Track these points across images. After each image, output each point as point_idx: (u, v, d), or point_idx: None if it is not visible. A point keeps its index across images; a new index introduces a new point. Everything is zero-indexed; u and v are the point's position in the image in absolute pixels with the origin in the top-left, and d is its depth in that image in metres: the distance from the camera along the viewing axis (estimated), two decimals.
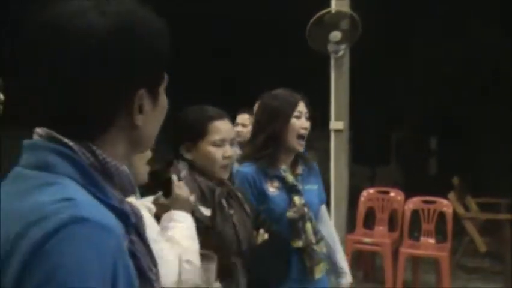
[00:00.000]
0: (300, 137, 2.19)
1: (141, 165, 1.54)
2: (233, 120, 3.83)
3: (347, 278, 2.39)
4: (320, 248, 2.18)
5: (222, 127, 1.84)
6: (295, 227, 2.14)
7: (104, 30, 0.79)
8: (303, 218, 2.15)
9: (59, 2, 0.83)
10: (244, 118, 3.96)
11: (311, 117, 2.26)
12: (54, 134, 0.82)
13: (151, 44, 0.84)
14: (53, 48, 0.80)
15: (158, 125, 0.92)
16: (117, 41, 0.80)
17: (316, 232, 2.19)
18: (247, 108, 3.91)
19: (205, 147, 1.84)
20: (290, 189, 2.17)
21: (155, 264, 0.91)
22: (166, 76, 0.91)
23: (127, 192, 0.88)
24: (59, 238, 0.70)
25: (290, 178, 2.19)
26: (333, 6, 4.36)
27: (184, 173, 1.80)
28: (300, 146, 2.20)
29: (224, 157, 1.84)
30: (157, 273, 0.91)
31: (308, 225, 2.16)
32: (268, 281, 1.94)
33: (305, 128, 2.20)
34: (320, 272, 2.19)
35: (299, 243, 2.15)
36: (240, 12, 7.88)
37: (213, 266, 1.55)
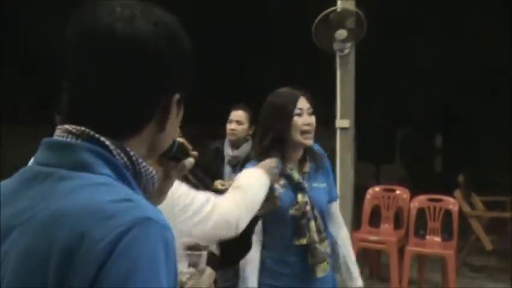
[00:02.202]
0: (304, 132, 2.18)
1: None
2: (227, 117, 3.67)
3: (356, 283, 2.36)
4: (324, 247, 2.18)
5: None
6: (298, 224, 2.14)
7: (153, 36, 0.83)
8: (305, 216, 2.15)
9: (103, 10, 0.84)
10: (238, 115, 3.66)
11: (316, 113, 2.24)
12: (90, 131, 0.81)
13: (186, 52, 0.89)
14: (105, 50, 0.82)
15: (175, 130, 0.93)
16: (162, 46, 0.84)
17: (320, 231, 2.19)
18: (242, 105, 3.72)
19: None
20: (296, 187, 2.17)
21: None
22: None
23: (148, 193, 0.89)
24: (133, 236, 0.72)
25: (296, 176, 2.19)
26: (339, 4, 4.36)
27: None
28: (307, 140, 2.19)
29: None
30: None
31: (312, 224, 2.16)
32: (232, 254, 1.98)
33: (308, 124, 2.18)
34: (322, 271, 2.18)
35: (303, 241, 2.15)
36: (246, 9, 7.89)
37: (205, 253, 1.58)
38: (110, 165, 0.81)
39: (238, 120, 3.62)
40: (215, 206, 1.57)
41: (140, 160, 0.85)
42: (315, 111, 2.24)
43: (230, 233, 1.61)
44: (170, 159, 1.07)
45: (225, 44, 8.87)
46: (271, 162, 2.02)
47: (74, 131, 0.82)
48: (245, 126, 3.63)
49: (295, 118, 2.16)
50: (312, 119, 2.20)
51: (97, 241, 0.71)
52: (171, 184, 1.09)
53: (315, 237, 2.16)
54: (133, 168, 0.84)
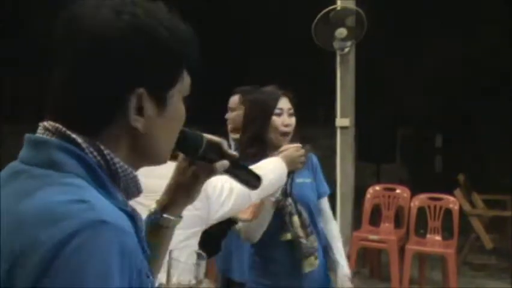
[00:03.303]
0: (283, 134, 2.16)
1: None
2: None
3: (343, 271, 2.33)
4: (311, 242, 2.15)
5: None
6: (281, 220, 2.13)
7: (109, 27, 0.79)
8: (286, 211, 2.13)
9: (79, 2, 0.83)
10: (232, 101, 3.22)
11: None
12: (62, 128, 0.80)
13: (158, 44, 0.81)
14: (66, 40, 0.81)
15: (169, 137, 0.88)
16: (119, 38, 0.79)
17: (306, 226, 2.16)
18: (239, 89, 3.26)
19: None
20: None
21: (152, 272, 0.90)
22: (182, 84, 0.87)
23: (131, 195, 0.86)
24: (80, 240, 0.68)
25: None
26: (339, 2, 4.36)
27: None
28: (282, 142, 2.15)
29: None
30: (152, 282, 0.90)
31: (295, 219, 2.13)
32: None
33: (286, 125, 2.16)
34: (309, 265, 2.15)
35: (288, 236, 2.14)
36: (246, 8, 7.88)
37: (203, 263, 1.57)
38: (82, 164, 0.78)
39: (231, 106, 3.24)
40: (231, 183, 1.67)
41: (116, 160, 0.81)
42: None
43: (246, 205, 1.80)
44: (201, 159, 1.02)
45: (225, 43, 8.86)
46: (293, 151, 2.01)
47: (49, 127, 0.81)
48: (238, 112, 3.13)
49: (274, 118, 2.15)
50: (292, 120, 2.18)
51: (42, 244, 0.68)
52: (200, 185, 1.06)
53: (300, 232, 2.13)
54: (108, 167, 0.80)
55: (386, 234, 5.05)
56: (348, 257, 4.86)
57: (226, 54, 8.92)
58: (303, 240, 2.14)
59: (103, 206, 0.73)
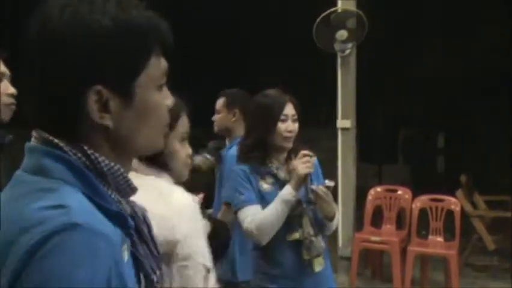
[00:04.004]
0: (286, 139, 2.22)
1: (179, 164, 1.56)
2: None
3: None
4: (319, 242, 2.19)
5: None
6: (289, 220, 2.15)
7: (56, 24, 0.79)
8: (297, 211, 2.16)
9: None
10: (217, 103, 3.15)
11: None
12: (44, 134, 0.81)
13: (99, 40, 0.78)
14: (27, 43, 0.82)
15: (147, 128, 0.85)
16: (66, 38, 0.78)
17: (314, 226, 2.20)
18: (224, 91, 3.20)
19: None
20: (283, 185, 2.18)
21: (159, 266, 0.91)
22: (150, 72, 0.84)
23: (125, 193, 0.85)
24: (52, 245, 0.69)
25: (282, 174, 2.22)
26: (340, 5, 4.36)
27: None
28: (286, 143, 2.23)
29: None
30: (161, 276, 0.90)
31: (305, 219, 2.18)
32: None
33: (290, 131, 2.22)
34: (319, 264, 2.19)
35: (296, 236, 2.16)
36: (246, 10, 7.89)
37: (211, 276, 1.56)
38: (69, 167, 0.78)
39: (217, 109, 3.15)
40: None
41: (100, 158, 0.80)
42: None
43: None
44: None
45: (226, 44, 8.88)
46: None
47: (36, 134, 0.82)
48: (222, 115, 3.11)
49: (279, 124, 2.20)
50: (295, 126, 2.24)
51: (20, 248, 0.70)
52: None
53: (310, 231, 2.17)
54: (94, 166, 0.80)
55: (387, 235, 5.05)
56: (350, 258, 4.89)
57: (226, 55, 8.93)
58: (314, 239, 2.16)
59: (80, 209, 0.73)
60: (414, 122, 10.45)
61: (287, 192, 2.13)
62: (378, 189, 5.46)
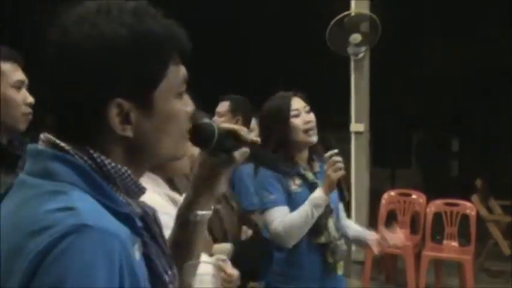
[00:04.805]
0: (307, 131, 2.19)
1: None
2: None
3: (371, 235, 2.32)
4: (342, 245, 2.19)
5: None
6: (316, 223, 2.14)
7: (74, 36, 0.79)
8: (325, 214, 2.15)
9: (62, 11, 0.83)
10: (221, 105, 3.11)
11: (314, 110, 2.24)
12: (52, 138, 0.81)
13: (116, 53, 0.79)
14: (44, 53, 0.82)
15: (167, 136, 0.85)
16: (84, 50, 0.78)
17: (338, 229, 2.20)
18: (229, 95, 3.18)
19: None
20: (311, 187, 2.18)
21: (171, 266, 0.90)
22: (170, 81, 0.84)
23: (133, 194, 0.86)
24: (63, 247, 0.69)
25: (310, 176, 2.21)
26: (353, 8, 4.36)
27: None
28: (311, 138, 2.20)
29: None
30: (173, 275, 0.90)
31: (331, 222, 2.17)
32: (251, 273, 1.98)
33: (308, 122, 2.19)
34: (341, 268, 2.19)
35: (321, 239, 2.15)
36: (260, 13, 7.90)
37: (220, 274, 1.55)
38: (75, 170, 0.79)
39: (219, 111, 3.12)
40: None
41: (107, 161, 0.81)
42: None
43: None
44: (218, 150, 0.97)
45: (238, 47, 8.89)
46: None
47: (43, 138, 0.83)
48: (224, 119, 3.08)
49: (293, 119, 2.17)
50: (311, 116, 2.22)
51: (30, 252, 0.70)
52: (221, 178, 1.02)
53: (335, 234, 2.17)
54: (100, 169, 0.81)
55: None
56: (364, 263, 4.86)
57: (238, 60, 8.95)
58: (339, 243, 2.16)
59: (88, 210, 0.74)
60: (428, 126, 10.38)
61: (319, 196, 2.11)
62: (392, 193, 5.42)
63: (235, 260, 1.83)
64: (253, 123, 3.47)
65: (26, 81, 1.62)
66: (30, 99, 1.61)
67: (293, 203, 2.15)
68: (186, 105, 0.88)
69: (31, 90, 1.62)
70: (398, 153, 8.24)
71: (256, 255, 2.02)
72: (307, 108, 2.22)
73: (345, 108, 4.89)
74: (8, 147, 1.59)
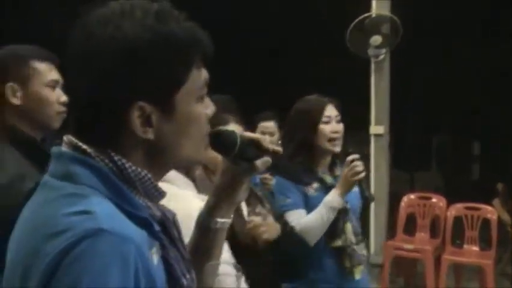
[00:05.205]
0: (332, 140, 2.18)
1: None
2: (251, 125, 3.33)
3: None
4: (361, 250, 2.18)
5: None
6: (333, 226, 2.13)
7: (98, 39, 0.79)
8: (341, 217, 2.14)
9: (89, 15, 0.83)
10: (269, 126, 3.36)
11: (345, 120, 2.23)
12: (74, 140, 0.82)
13: (145, 58, 0.79)
14: (70, 55, 0.84)
15: (188, 139, 0.85)
16: (107, 52, 0.79)
17: (357, 233, 2.19)
18: (270, 114, 3.41)
19: None
20: (329, 190, 2.17)
21: (189, 270, 0.90)
22: (191, 85, 0.84)
23: (154, 198, 0.86)
24: (79, 250, 0.70)
25: (328, 179, 2.20)
26: (374, 10, 4.34)
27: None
28: (335, 147, 2.19)
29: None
30: (191, 279, 0.90)
31: (348, 226, 2.16)
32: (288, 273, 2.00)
33: (336, 132, 2.19)
34: (359, 272, 2.17)
35: (338, 243, 2.14)
36: (280, 15, 7.90)
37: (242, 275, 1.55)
38: (95, 173, 0.79)
39: (270, 132, 3.30)
40: None
41: (127, 165, 0.81)
42: (346, 117, 2.24)
43: None
44: (239, 158, 0.97)
45: (257, 49, 8.90)
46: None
47: (66, 140, 0.84)
48: (277, 136, 3.32)
49: (322, 126, 2.17)
50: (340, 127, 2.21)
51: (47, 254, 0.71)
52: (242, 186, 1.02)
53: (353, 239, 2.15)
54: (120, 172, 0.81)
55: (421, 243, 4.97)
56: (382, 266, 4.82)
57: (257, 61, 8.95)
58: (356, 247, 2.15)
59: (105, 215, 0.74)
60: (448, 128, 10.27)
61: (334, 199, 2.11)
62: (412, 196, 5.37)
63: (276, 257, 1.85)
64: (273, 126, 3.49)
65: (61, 80, 1.67)
66: (64, 98, 1.65)
67: (310, 206, 2.15)
68: (207, 108, 0.89)
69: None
70: (418, 156, 8.17)
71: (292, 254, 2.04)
72: (339, 118, 2.21)
73: (364, 110, 4.86)
74: (40, 144, 1.63)
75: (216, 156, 1.82)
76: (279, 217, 2.06)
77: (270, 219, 1.75)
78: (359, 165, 2.11)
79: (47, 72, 1.64)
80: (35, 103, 1.62)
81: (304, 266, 2.18)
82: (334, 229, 2.13)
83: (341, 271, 2.16)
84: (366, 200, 2.24)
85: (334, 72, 8.15)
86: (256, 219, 1.68)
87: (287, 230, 2.00)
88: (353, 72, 5.41)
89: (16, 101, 1.60)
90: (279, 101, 3.76)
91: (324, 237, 2.13)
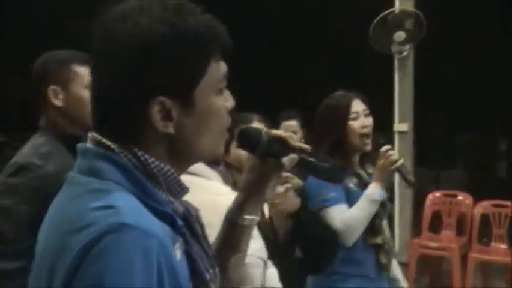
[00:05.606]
0: (363, 136, 2.16)
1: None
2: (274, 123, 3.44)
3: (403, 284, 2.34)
4: (394, 246, 2.19)
5: None
6: (373, 223, 2.12)
7: (121, 37, 0.80)
8: (382, 212, 2.14)
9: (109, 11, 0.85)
10: (292, 125, 3.37)
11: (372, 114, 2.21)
12: (98, 136, 0.84)
13: (165, 52, 0.80)
14: (92, 50, 0.85)
15: (208, 133, 0.86)
16: (127, 48, 0.80)
17: (388, 230, 2.20)
18: (293, 113, 3.42)
19: None
20: (365, 187, 2.15)
21: (212, 265, 0.91)
22: (211, 78, 0.85)
23: (177, 194, 0.87)
24: (103, 244, 0.71)
25: (364, 175, 2.20)
26: (397, 5, 4.29)
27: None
28: (365, 146, 2.17)
29: None
30: (214, 274, 0.91)
31: (384, 223, 2.16)
32: (314, 264, 1.99)
33: (365, 127, 2.16)
34: (393, 268, 2.20)
35: (378, 240, 2.14)
36: (301, 11, 7.88)
37: (269, 270, 1.56)
38: (119, 168, 0.81)
39: (294, 131, 3.30)
40: None
41: (150, 160, 0.82)
42: (372, 113, 2.22)
43: None
44: (266, 155, 0.98)
45: (277, 45, 8.88)
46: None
47: (90, 136, 0.85)
48: (299, 135, 3.34)
49: (351, 122, 2.15)
50: (369, 120, 2.18)
51: (72, 249, 0.72)
52: (269, 183, 1.02)
53: (388, 235, 2.17)
54: (143, 167, 0.82)
55: (447, 241, 4.91)
56: (407, 265, 4.78)
57: (278, 57, 8.93)
58: (392, 244, 2.18)
59: (129, 209, 0.75)
60: (474, 125, 10.10)
61: (375, 192, 2.09)
62: (437, 194, 5.31)
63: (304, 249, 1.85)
64: (296, 125, 3.48)
65: None
66: None
67: (351, 200, 2.13)
68: (227, 101, 0.89)
69: None
70: (442, 154, 8.05)
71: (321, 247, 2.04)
72: (367, 111, 2.18)
73: (387, 107, 4.82)
74: (80, 140, 1.71)
75: (239, 154, 1.86)
76: (317, 213, 2.06)
77: (291, 193, 1.75)
78: (394, 154, 2.09)
79: (86, 74, 1.74)
80: (76, 104, 1.74)
81: (338, 260, 2.14)
82: (373, 225, 2.12)
83: (378, 267, 2.15)
84: (410, 184, 2.21)
85: (355, 69, 8.10)
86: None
87: (326, 227, 1.99)
88: (374, 69, 5.37)
89: (58, 102, 1.75)
90: (300, 101, 3.76)
91: (363, 233, 2.11)
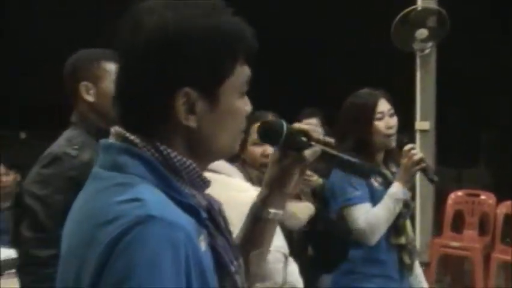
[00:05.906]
0: (388, 136, 2.15)
1: None
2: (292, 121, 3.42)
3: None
4: (416, 246, 2.17)
5: None
6: (396, 223, 2.11)
7: (150, 29, 0.81)
8: (405, 212, 2.13)
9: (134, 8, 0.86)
10: (313, 122, 3.38)
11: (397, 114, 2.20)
12: (122, 131, 0.85)
13: (195, 44, 0.81)
14: (119, 44, 0.86)
15: (226, 132, 0.88)
16: (157, 39, 0.81)
17: (411, 231, 2.19)
18: (313, 110, 3.43)
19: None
20: (389, 186, 2.14)
21: (236, 257, 0.92)
22: (235, 79, 0.86)
23: (199, 187, 0.88)
24: (131, 237, 0.72)
25: (389, 174, 2.18)
26: (420, 2, 4.25)
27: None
28: (390, 143, 2.16)
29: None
30: (238, 266, 0.92)
31: (407, 223, 2.15)
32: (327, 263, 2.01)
33: (390, 127, 2.15)
34: (416, 268, 2.19)
35: (402, 240, 2.12)
36: (321, 9, 7.85)
37: (289, 265, 1.56)
38: (143, 162, 0.82)
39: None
40: None
41: (173, 154, 0.83)
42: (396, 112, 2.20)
43: None
44: (287, 148, 0.98)
45: (297, 43, 8.85)
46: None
47: (113, 131, 0.86)
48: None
49: (376, 122, 2.13)
50: (394, 121, 2.17)
51: (100, 242, 0.73)
52: (292, 177, 1.02)
53: (412, 234, 2.17)
54: (166, 162, 0.83)
55: (469, 241, 4.85)
56: (428, 264, 4.73)
57: (297, 55, 8.91)
58: (415, 244, 2.17)
59: (155, 202, 0.76)
60: (497, 124, 9.95)
61: (399, 191, 2.07)
62: (459, 193, 5.25)
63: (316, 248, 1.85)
64: (316, 122, 3.47)
65: None
66: None
67: (375, 199, 2.12)
68: (246, 105, 0.91)
69: None
70: (465, 153, 7.95)
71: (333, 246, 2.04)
72: (392, 111, 2.17)
73: (408, 105, 4.78)
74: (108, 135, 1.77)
75: (254, 151, 1.91)
76: (341, 212, 2.07)
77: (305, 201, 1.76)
78: (417, 153, 2.07)
79: (114, 71, 1.77)
80: (106, 99, 1.77)
81: (360, 260, 2.15)
82: (396, 226, 2.11)
83: (401, 267, 2.14)
84: (433, 183, 2.21)
85: (378, 66, 8.04)
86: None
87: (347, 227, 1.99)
88: (395, 67, 5.33)
89: (89, 98, 1.84)
90: (321, 99, 3.76)
91: (387, 233, 2.10)
